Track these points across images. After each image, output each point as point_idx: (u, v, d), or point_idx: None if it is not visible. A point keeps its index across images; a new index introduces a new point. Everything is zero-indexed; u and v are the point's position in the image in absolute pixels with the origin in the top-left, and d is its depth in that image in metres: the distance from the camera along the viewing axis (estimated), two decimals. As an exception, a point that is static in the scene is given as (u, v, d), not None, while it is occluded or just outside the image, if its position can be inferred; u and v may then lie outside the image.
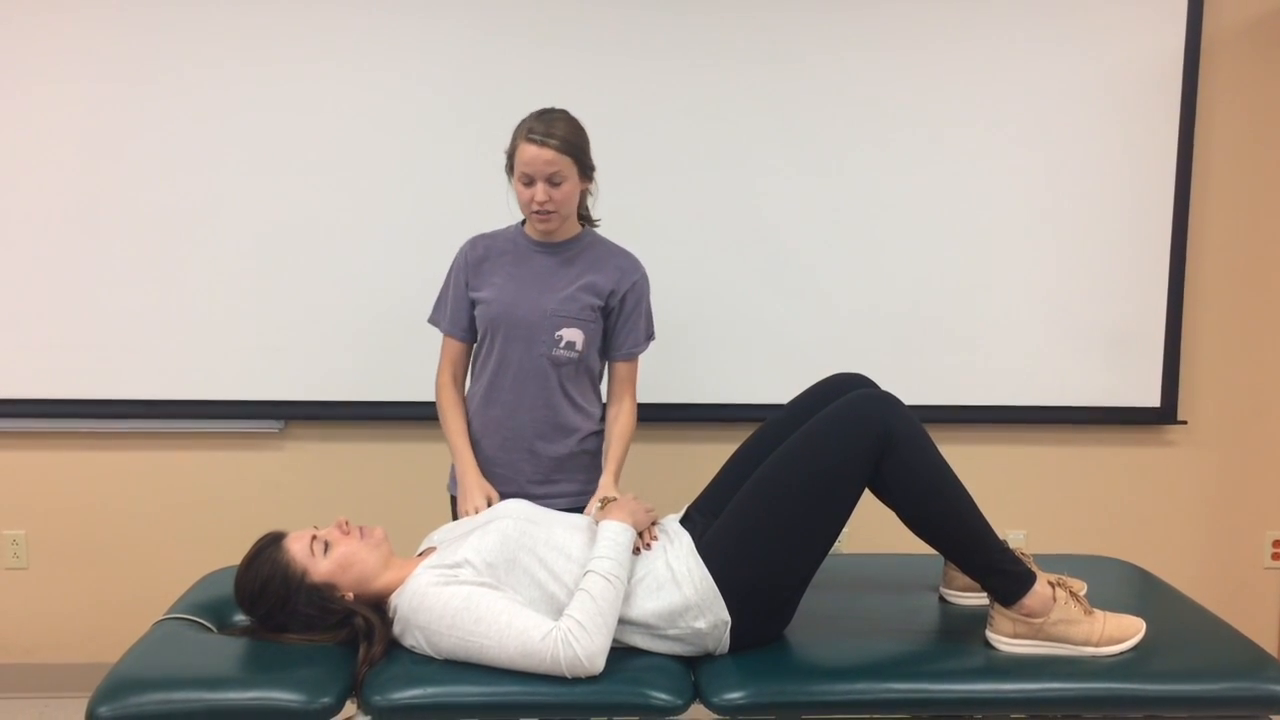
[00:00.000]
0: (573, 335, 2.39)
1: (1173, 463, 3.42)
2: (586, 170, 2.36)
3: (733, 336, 3.24)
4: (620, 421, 2.46)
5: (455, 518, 2.44)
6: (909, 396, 2.04)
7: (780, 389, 2.49)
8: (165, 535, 3.29)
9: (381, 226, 3.15)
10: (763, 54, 3.15)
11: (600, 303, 2.40)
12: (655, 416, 3.24)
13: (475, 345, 2.49)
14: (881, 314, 3.26)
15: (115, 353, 3.17)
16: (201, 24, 3.06)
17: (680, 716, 1.82)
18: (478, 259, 2.44)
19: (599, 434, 2.49)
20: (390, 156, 3.12)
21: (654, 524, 2.08)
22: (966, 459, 2.22)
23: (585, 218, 2.48)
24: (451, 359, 2.50)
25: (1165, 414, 3.33)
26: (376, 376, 3.19)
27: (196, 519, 3.28)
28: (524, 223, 2.45)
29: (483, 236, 2.48)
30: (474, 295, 2.42)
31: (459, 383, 2.51)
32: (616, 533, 1.94)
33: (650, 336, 2.51)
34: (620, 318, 2.44)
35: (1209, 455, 3.43)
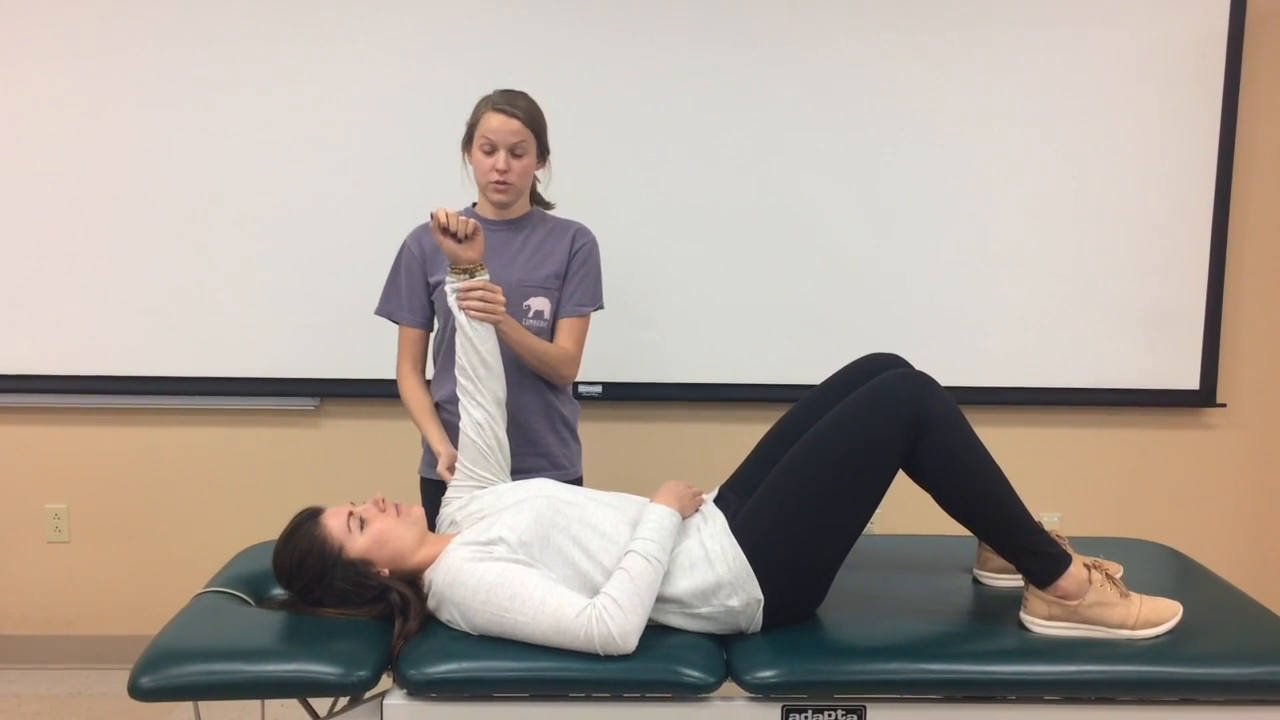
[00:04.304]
0: (540, 304, 2.41)
1: (1211, 445, 3.38)
2: (544, 151, 2.39)
3: (766, 316, 3.23)
4: (551, 346, 2.39)
5: (423, 502, 2.44)
6: (944, 377, 2.03)
7: (814, 369, 2.48)
8: (204, 510, 3.33)
9: (418, 205, 3.14)
10: (799, 40, 3.13)
11: (561, 268, 2.42)
12: (688, 396, 3.25)
13: (437, 332, 2.48)
14: (917, 294, 3.24)
15: (154, 330, 3.21)
16: None
17: (712, 694, 1.82)
18: (433, 246, 2.42)
19: (571, 402, 2.53)
20: (425, 135, 3.13)
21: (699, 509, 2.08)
22: (1002, 440, 2.20)
23: (538, 201, 2.49)
24: (411, 347, 2.50)
25: (1204, 396, 3.29)
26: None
27: (234, 494, 3.32)
28: (474, 205, 2.46)
29: (428, 226, 2.44)
30: (435, 280, 2.42)
31: (420, 369, 2.51)
32: (662, 516, 1.95)
33: (598, 303, 2.48)
34: (568, 277, 2.43)
35: (1248, 438, 3.38)
